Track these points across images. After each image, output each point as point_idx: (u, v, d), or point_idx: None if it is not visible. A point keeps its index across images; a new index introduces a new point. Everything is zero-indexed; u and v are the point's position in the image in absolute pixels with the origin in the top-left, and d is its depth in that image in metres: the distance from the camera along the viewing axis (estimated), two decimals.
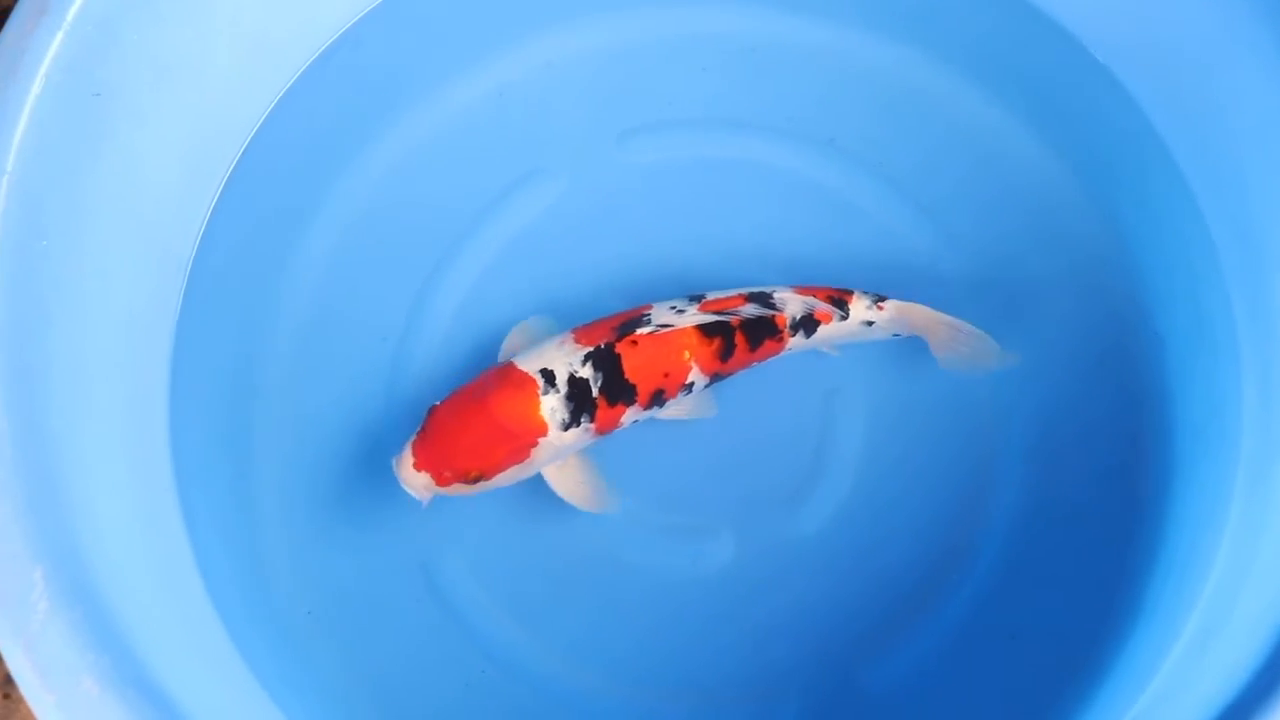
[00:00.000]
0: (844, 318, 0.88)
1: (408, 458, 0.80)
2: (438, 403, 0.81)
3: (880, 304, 0.88)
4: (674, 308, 0.85)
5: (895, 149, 0.97)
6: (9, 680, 0.92)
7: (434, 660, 0.87)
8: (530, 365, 0.82)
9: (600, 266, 0.94)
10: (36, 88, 0.74)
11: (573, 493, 0.85)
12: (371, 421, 0.92)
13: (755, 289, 0.86)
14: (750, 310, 0.84)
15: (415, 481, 0.80)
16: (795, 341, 0.88)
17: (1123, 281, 0.93)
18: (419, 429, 0.81)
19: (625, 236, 0.96)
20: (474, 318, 0.94)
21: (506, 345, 0.89)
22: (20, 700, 0.92)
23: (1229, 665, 0.68)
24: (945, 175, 0.96)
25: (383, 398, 0.92)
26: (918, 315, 0.89)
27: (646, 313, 0.85)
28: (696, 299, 0.86)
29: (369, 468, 0.90)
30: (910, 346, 0.92)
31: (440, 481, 0.80)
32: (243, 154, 0.92)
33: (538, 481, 0.86)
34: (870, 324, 0.89)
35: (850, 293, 0.88)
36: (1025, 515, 0.89)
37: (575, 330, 0.84)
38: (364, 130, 0.97)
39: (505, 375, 0.82)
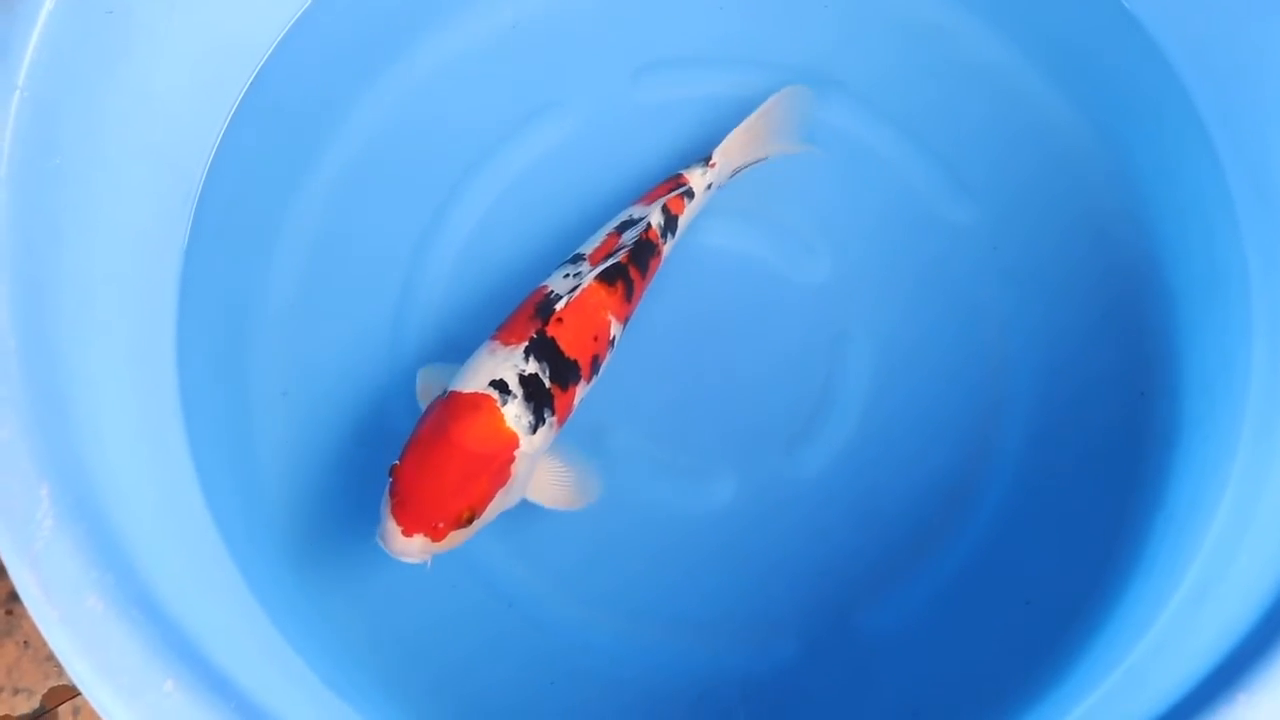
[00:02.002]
0: (692, 196, 0.89)
1: (393, 528, 0.74)
2: (396, 462, 0.76)
3: (710, 163, 0.90)
4: (567, 275, 0.84)
5: (909, 92, 0.97)
6: (12, 596, 0.93)
7: (429, 587, 0.87)
8: (476, 384, 0.78)
9: (609, 202, 0.93)
10: (49, 4, 0.73)
11: (558, 497, 0.82)
12: (378, 352, 0.92)
13: (613, 222, 0.88)
14: (630, 237, 0.85)
15: (411, 549, 0.74)
16: (668, 246, 0.89)
17: (1136, 232, 0.92)
18: (389, 495, 0.75)
19: (635, 173, 0.95)
20: (482, 250, 0.94)
21: (422, 391, 0.84)
22: (22, 616, 0.93)
23: (1226, 618, 0.68)
24: (959, 120, 0.96)
25: (389, 329, 0.92)
26: (736, 142, 0.91)
27: (547, 291, 0.83)
28: (579, 259, 0.85)
29: (374, 398, 0.91)
30: (917, 291, 0.92)
31: (437, 537, 0.74)
32: (254, 79, 0.91)
33: None
34: (710, 185, 0.91)
35: (681, 174, 0.90)
36: (1029, 464, 0.89)
37: (495, 334, 0.82)
38: (377, 59, 0.97)
39: (456, 404, 0.78)
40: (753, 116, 0.92)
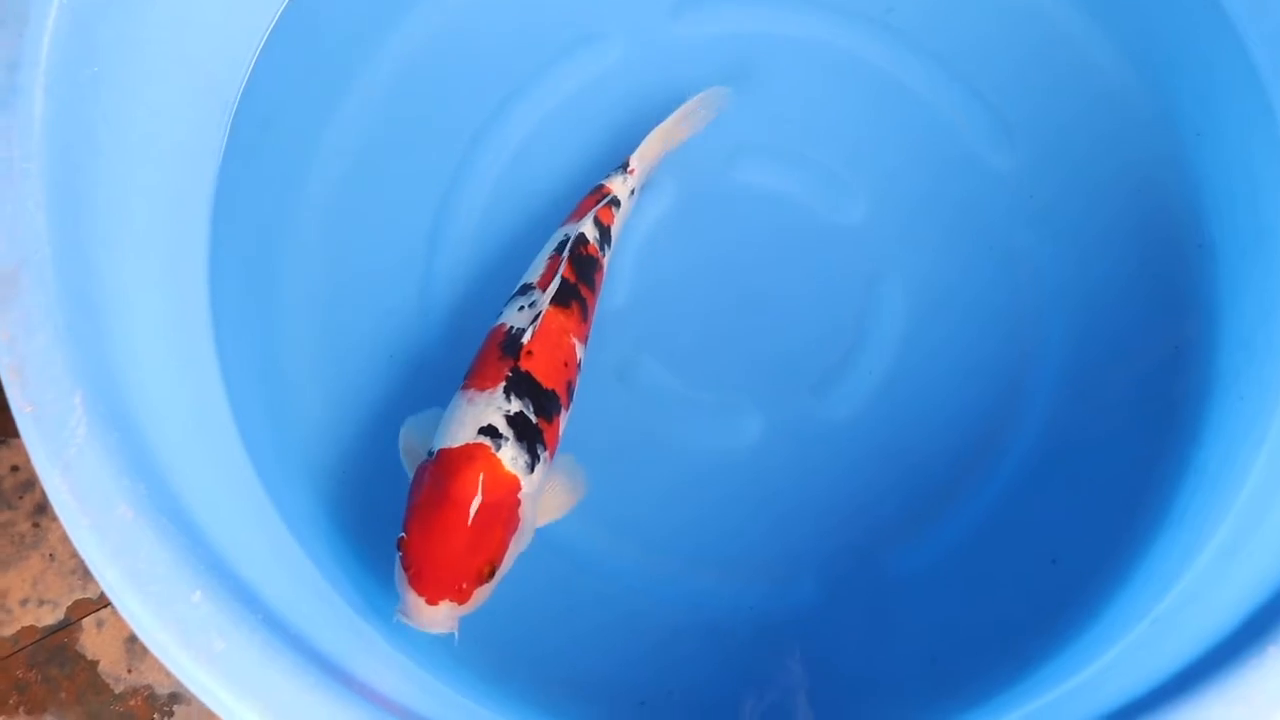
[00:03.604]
0: (618, 205, 0.87)
1: (416, 601, 0.72)
2: (402, 534, 0.73)
3: (628, 170, 0.88)
4: (522, 308, 0.81)
5: (952, 32, 0.95)
6: (38, 509, 0.94)
7: None
8: (464, 435, 0.76)
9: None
10: None
11: (554, 512, 0.81)
12: (411, 276, 0.91)
13: (550, 246, 0.85)
14: (569, 253, 0.82)
15: (437, 618, 0.72)
16: (607, 257, 0.87)
17: (1178, 182, 0.91)
18: (402, 569, 0.73)
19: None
20: (519, 176, 0.93)
21: (408, 446, 0.81)
22: (48, 529, 0.94)
23: (1258, 573, 0.67)
24: (1002, 61, 0.95)
25: (423, 253, 0.92)
26: (653, 146, 0.90)
27: (507, 328, 0.81)
28: (528, 289, 0.83)
29: (405, 321, 0.90)
30: (952, 234, 0.92)
31: (463, 599, 0.72)
32: None
33: None
34: (633, 191, 0.89)
35: (603, 185, 0.88)
36: (1059, 413, 0.88)
37: (467, 385, 0.79)
38: None
39: (449, 460, 0.75)
40: (670, 120, 0.90)
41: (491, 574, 0.73)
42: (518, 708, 0.80)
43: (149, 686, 0.91)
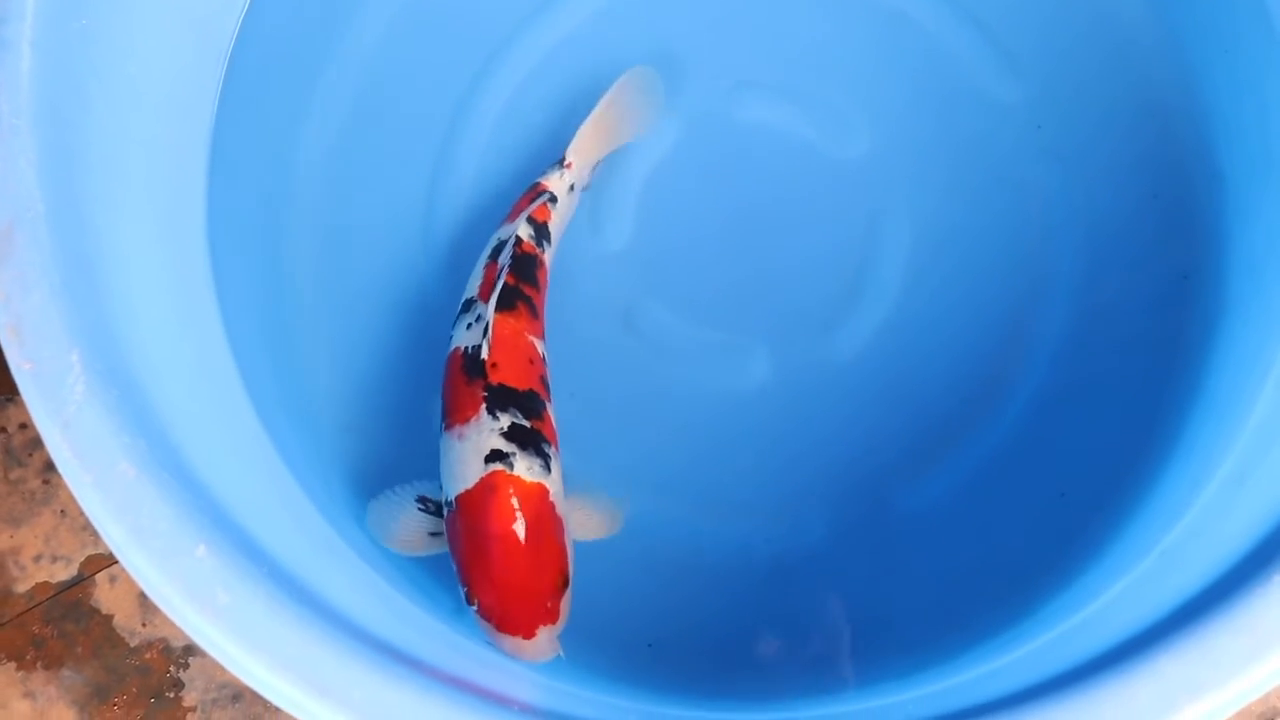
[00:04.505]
0: (555, 200, 0.86)
1: (514, 641, 0.72)
2: (465, 589, 0.74)
3: (565, 164, 0.87)
4: (469, 325, 0.80)
5: None
6: (48, 466, 0.94)
7: None
8: (473, 472, 0.75)
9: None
10: None
11: (588, 529, 0.80)
12: (412, 221, 0.91)
13: (485, 253, 0.84)
14: (505, 258, 0.81)
15: (541, 647, 0.72)
16: (549, 253, 0.85)
17: (1186, 108, 0.89)
18: (484, 619, 0.73)
19: (675, 44, 0.93)
20: (519, 116, 0.93)
21: (400, 535, 0.80)
22: (59, 485, 0.94)
23: (1265, 502, 0.67)
24: None
25: (425, 194, 0.91)
26: (587, 138, 0.88)
27: (462, 349, 0.79)
28: (471, 304, 0.82)
29: (407, 267, 0.90)
30: (957, 168, 0.90)
31: (553, 619, 0.73)
32: None
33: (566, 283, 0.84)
34: (573, 186, 0.87)
35: (539, 182, 0.86)
36: (1067, 346, 0.88)
37: (449, 424, 0.78)
38: None
39: (475, 501, 0.74)
40: (599, 108, 0.88)
41: (566, 582, 0.74)
42: None
43: (164, 640, 0.92)
